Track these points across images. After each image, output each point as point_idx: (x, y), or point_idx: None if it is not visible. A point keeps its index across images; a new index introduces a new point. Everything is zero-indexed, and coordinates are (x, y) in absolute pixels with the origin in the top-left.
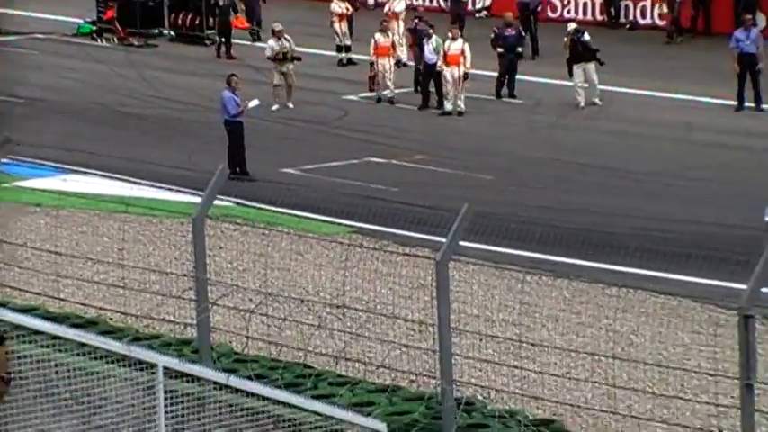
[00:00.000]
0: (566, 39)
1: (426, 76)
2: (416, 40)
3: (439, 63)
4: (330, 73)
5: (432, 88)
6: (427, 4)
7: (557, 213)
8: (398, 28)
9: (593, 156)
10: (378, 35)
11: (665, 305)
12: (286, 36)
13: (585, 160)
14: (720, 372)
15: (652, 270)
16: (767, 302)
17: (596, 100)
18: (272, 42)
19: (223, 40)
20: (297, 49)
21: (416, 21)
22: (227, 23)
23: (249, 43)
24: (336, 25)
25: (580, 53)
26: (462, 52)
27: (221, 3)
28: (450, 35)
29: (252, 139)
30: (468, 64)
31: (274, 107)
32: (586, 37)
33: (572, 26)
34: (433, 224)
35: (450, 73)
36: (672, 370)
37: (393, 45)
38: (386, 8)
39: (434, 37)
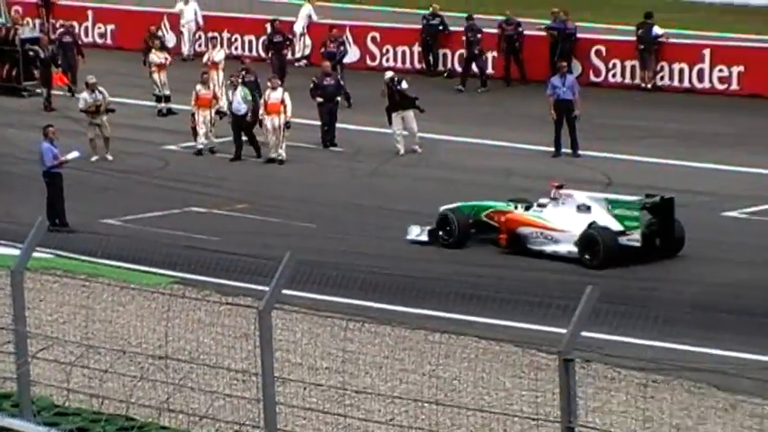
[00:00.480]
0: (383, 87)
1: (235, 127)
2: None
3: (260, 112)
4: (150, 123)
5: (245, 137)
6: (247, 53)
7: (379, 260)
8: (218, 78)
9: (414, 202)
10: (198, 86)
11: (488, 350)
12: (100, 88)
13: (406, 207)
14: (542, 416)
15: (474, 315)
16: (587, 346)
17: (416, 147)
18: (85, 95)
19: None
20: (114, 99)
21: (243, 72)
22: (49, 75)
23: (68, 94)
24: (156, 75)
25: (398, 101)
26: (282, 101)
27: (42, 55)
28: (269, 84)
29: (72, 191)
30: (288, 113)
31: (93, 158)
32: (404, 85)
33: (389, 74)
34: (256, 273)
35: (270, 122)
36: (494, 415)
37: (214, 95)
38: (205, 58)
39: (240, 87)
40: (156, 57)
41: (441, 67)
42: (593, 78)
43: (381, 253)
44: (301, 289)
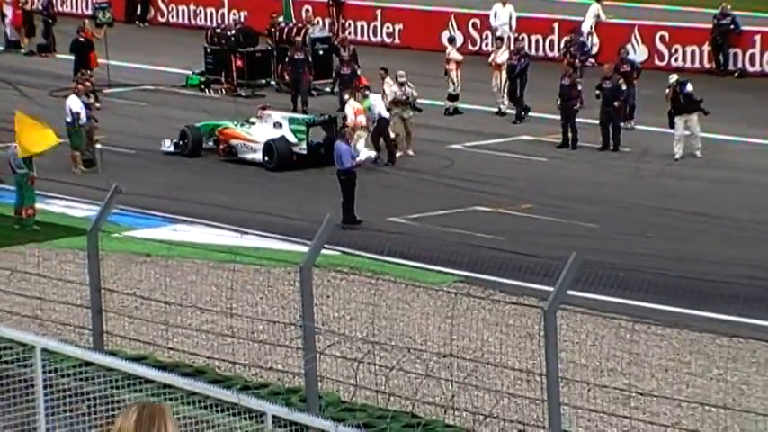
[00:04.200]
0: (667, 90)
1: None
2: None
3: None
4: (436, 122)
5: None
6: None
7: (664, 262)
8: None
9: (700, 204)
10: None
11: None
12: (409, 84)
13: (693, 208)
14: None
15: (762, 320)
16: None
17: (697, 152)
18: (395, 88)
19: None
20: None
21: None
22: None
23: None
24: (453, 73)
25: (682, 105)
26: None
27: (344, 54)
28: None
29: (359, 189)
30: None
31: (398, 154)
32: (689, 88)
33: (674, 77)
34: (540, 273)
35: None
36: None
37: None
38: (490, 58)
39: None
40: (457, 54)
41: (731, 67)
42: None
43: (666, 254)
44: (586, 290)
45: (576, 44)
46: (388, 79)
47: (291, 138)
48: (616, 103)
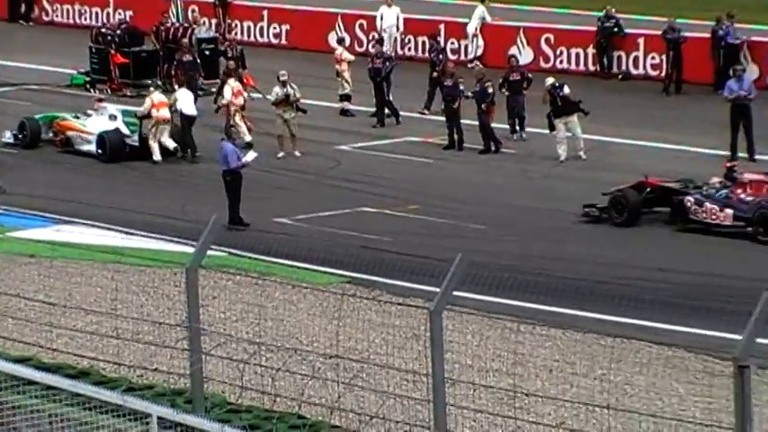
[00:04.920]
0: (544, 93)
1: None
2: None
3: None
4: (326, 123)
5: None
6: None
7: (550, 263)
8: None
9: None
10: None
11: (660, 355)
12: (291, 84)
13: (579, 210)
14: (715, 423)
15: (646, 320)
16: (763, 353)
17: (581, 154)
18: (276, 89)
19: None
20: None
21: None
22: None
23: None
24: (347, 74)
25: (560, 107)
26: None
27: (230, 54)
28: None
29: (245, 190)
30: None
31: (279, 154)
32: (566, 90)
33: (550, 80)
34: (427, 274)
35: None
36: (667, 421)
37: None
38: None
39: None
40: (348, 55)
41: (615, 70)
42: None
43: (553, 256)
44: (472, 291)
45: (435, 50)
46: (231, 80)
47: (125, 130)
48: (483, 106)
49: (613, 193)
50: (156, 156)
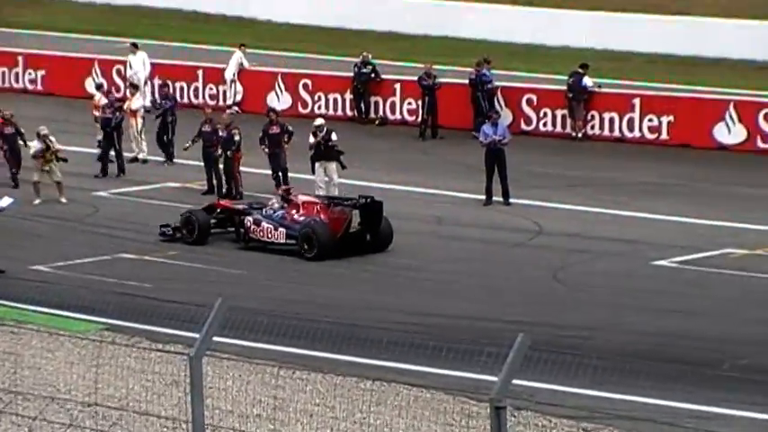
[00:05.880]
0: (313, 132)
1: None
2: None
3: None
4: (82, 169)
5: None
6: None
7: (310, 307)
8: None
9: (344, 249)
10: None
11: (419, 397)
12: (51, 138)
13: (347, 255)
14: None
15: (405, 363)
16: (518, 394)
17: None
18: (36, 142)
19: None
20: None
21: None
22: None
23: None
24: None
25: (322, 152)
26: None
27: None
28: None
29: (2, 236)
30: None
31: (36, 201)
32: (334, 137)
33: (319, 121)
34: (187, 319)
35: None
36: None
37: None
38: (125, 105)
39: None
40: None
41: (372, 115)
42: (524, 127)
43: (311, 300)
44: (233, 336)
45: (163, 99)
46: None
47: None
48: (228, 153)
49: (185, 213)
50: None
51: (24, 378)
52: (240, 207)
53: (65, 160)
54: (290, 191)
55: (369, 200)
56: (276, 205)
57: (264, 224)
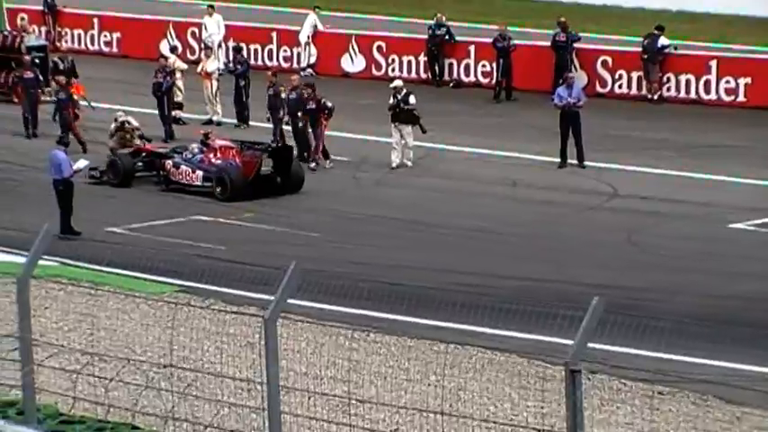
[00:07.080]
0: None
1: None
2: None
3: None
4: (150, 131)
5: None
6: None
7: (385, 270)
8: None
9: (419, 212)
10: None
11: (493, 361)
12: (129, 120)
13: (412, 216)
14: (548, 427)
15: (479, 326)
16: (593, 357)
17: (408, 162)
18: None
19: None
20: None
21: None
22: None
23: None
24: (180, 82)
25: (398, 113)
26: None
27: (61, 66)
28: None
29: (76, 199)
30: None
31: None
32: (411, 100)
33: (397, 83)
34: (261, 282)
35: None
36: (500, 425)
37: None
38: (198, 68)
39: None
40: (181, 63)
41: (446, 77)
42: (599, 89)
43: (383, 262)
44: (307, 298)
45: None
46: None
47: None
48: (299, 114)
49: (110, 157)
50: None
51: (101, 339)
52: (162, 151)
53: (148, 140)
54: (209, 135)
55: (279, 144)
56: (196, 149)
57: (183, 167)
